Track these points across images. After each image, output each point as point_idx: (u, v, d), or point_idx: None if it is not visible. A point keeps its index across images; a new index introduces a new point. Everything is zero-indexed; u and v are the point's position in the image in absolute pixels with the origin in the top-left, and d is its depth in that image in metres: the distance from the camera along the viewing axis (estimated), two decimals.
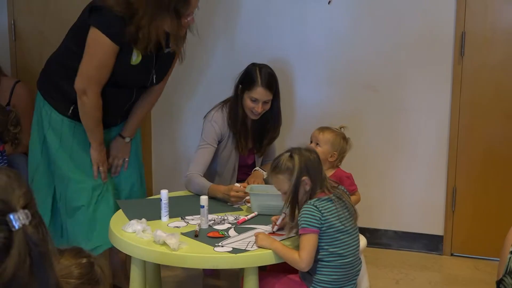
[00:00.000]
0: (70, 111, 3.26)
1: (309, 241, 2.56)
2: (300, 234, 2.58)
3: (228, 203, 3.26)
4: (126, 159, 3.49)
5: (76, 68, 3.15)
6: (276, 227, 2.82)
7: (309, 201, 2.60)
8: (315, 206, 2.57)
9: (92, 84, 3.13)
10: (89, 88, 3.13)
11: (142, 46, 3.07)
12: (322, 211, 2.56)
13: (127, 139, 3.47)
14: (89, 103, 3.17)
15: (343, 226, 2.61)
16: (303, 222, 2.57)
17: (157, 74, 3.33)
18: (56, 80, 3.28)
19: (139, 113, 3.48)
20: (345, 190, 2.75)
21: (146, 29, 3.01)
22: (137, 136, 3.58)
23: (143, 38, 3.03)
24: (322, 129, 3.30)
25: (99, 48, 3.07)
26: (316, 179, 2.64)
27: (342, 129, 3.31)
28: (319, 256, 2.59)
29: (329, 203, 2.60)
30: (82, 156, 3.32)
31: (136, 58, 3.16)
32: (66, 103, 3.26)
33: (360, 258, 2.73)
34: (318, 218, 2.55)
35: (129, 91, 3.33)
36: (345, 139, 3.28)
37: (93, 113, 3.22)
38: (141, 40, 3.04)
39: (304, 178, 2.61)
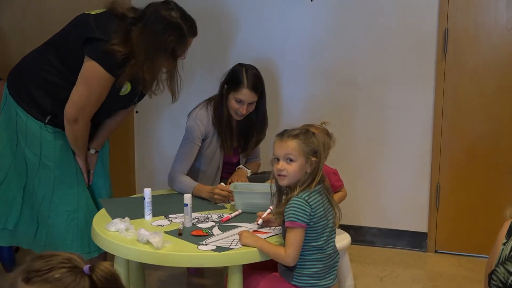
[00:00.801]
0: (47, 120, 3.21)
1: (296, 236, 2.54)
2: (287, 227, 2.57)
3: (213, 202, 3.25)
4: (91, 171, 3.45)
5: (55, 83, 3.13)
6: (260, 220, 2.81)
7: (300, 194, 2.57)
8: (306, 201, 2.55)
9: (85, 114, 3.13)
10: (82, 117, 3.12)
11: (143, 87, 3.11)
12: (313, 206, 2.55)
13: (93, 151, 3.43)
14: (79, 130, 3.17)
15: (327, 221, 2.61)
16: (291, 214, 2.54)
17: (140, 96, 3.36)
18: (27, 85, 3.22)
19: (110, 126, 3.46)
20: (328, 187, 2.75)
21: (145, 69, 3.02)
22: (105, 147, 3.54)
23: (144, 79, 3.05)
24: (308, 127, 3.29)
25: (98, 81, 3.05)
26: (319, 167, 2.63)
27: (323, 124, 3.31)
28: (301, 251, 2.59)
29: (317, 195, 2.60)
30: (66, 161, 3.28)
31: (125, 89, 3.17)
32: (41, 112, 3.21)
33: (337, 250, 2.73)
34: (308, 213, 2.54)
35: (109, 112, 3.35)
36: (328, 134, 3.28)
37: (81, 137, 3.22)
38: (142, 81, 3.06)
39: (313, 158, 2.60)
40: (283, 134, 2.65)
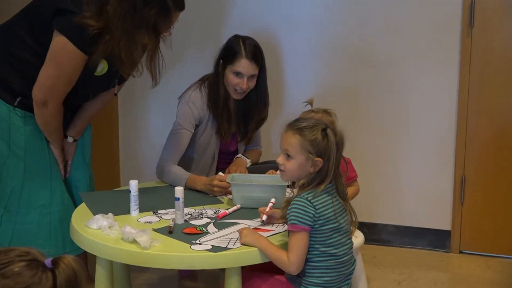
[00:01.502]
0: (16, 102, 3.20)
1: (298, 241, 2.55)
2: (289, 231, 2.58)
3: (210, 195, 3.26)
4: (69, 162, 3.45)
5: (27, 61, 3.12)
6: (265, 217, 2.82)
7: (302, 194, 2.58)
8: (309, 201, 2.55)
9: (55, 96, 3.11)
10: (51, 100, 3.11)
11: (119, 67, 3.08)
12: (317, 207, 2.55)
13: (70, 139, 3.43)
14: (49, 114, 3.16)
15: (337, 223, 2.60)
16: (293, 217, 2.55)
17: (121, 78, 3.33)
18: None
19: (90, 111, 3.45)
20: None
21: (122, 46, 2.98)
22: (86, 135, 3.54)
23: (120, 57, 3.02)
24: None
25: (67, 59, 3.03)
26: (329, 169, 2.60)
27: (307, 104, 3.30)
28: (308, 256, 2.59)
29: (325, 195, 2.60)
30: (38, 150, 3.28)
31: (101, 69, 3.16)
32: (10, 94, 3.20)
33: (353, 257, 2.74)
34: (311, 215, 2.54)
35: (87, 95, 3.34)
36: (327, 113, 3.28)
37: (53, 121, 3.21)
38: (118, 60, 3.03)
39: (318, 159, 2.59)
40: (290, 125, 2.65)
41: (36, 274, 1.49)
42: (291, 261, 2.54)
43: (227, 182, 3.18)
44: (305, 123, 2.61)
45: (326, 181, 2.59)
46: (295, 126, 2.62)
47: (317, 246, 2.59)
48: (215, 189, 3.23)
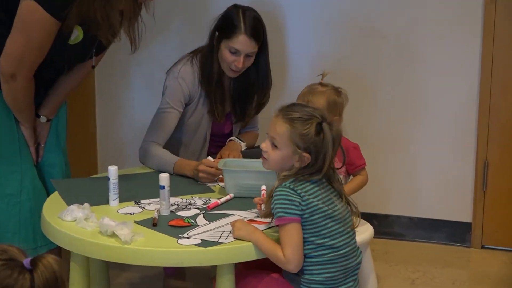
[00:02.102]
0: None
1: (290, 234, 2.54)
2: (278, 226, 2.58)
3: (200, 183, 3.25)
4: (41, 144, 3.44)
5: None
6: (263, 206, 2.80)
7: (283, 183, 2.58)
8: (292, 189, 2.55)
9: (24, 68, 3.11)
10: (20, 73, 3.10)
11: (96, 31, 3.06)
12: (302, 194, 2.55)
13: (43, 119, 3.41)
14: (18, 88, 3.15)
15: (330, 210, 2.60)
16: (278, 209, 2.55)
17: (98, 48, 3.32)
18: None
19: (65, 87, 3.44)
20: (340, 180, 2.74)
21: (97, 6, 2.96)
22: (61, 114, 3.52)
23: (96, 20, 3.01)
24: (311, 92, 3.29)
25: (37, 26, 3.01)
26: (323, 166, 2.58)
27: (323, 77, 3.30)
28: (304, 252, 2.59)
29: (312, 185, 2.60)
30: (6, 131, 3.27)
31: (75, 36, 3.14)
32: None
33: (357, 248, 2.74)
34: (297, 203, 2.54)
35: (61, 66, 3.32)
36: (337, 92, 3.27)
37: (23, 97, 3.20)
38: (94, 23, 3.02)
39: (305, 154, 2.58)
40: (282, 110, 2.64)
41: (12, 275, 1.49)
42: (287, 257, 2.54)
43: (217, 169, 3.17)
44: (300, 114, 2.60)
45: (314, 177, 2.60)
46: (287, 114, 2.61)
47: (311, 239, 2.58)
48: (201, 175, 3.22)
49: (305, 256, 2.58)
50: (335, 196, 2.66)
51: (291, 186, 2.56)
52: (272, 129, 2.64)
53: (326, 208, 2.59)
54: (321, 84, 3.29)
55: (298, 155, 2.58)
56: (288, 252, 2.53)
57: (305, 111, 2.62)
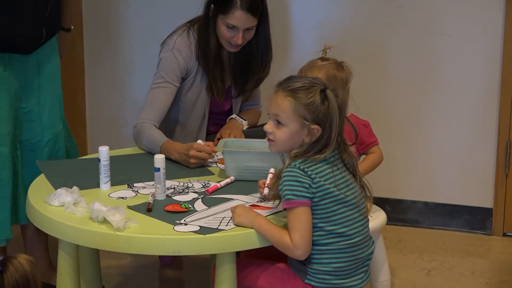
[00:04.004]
0: None
1: (299, 218, 2.54)
2: (286, 210, 2.58)
3: (190, 167, 3.25)
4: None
5: None
6: (266, 190, 2.80)
7: (292, 163, 2.58)
8: (302, 170, 2.55)
9: None
10: None
11: None
12: (313, 176, 2.55)
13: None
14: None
15: (343, 195, 2.60)
16: (287, 192, 2.55)
17: None
18: None
19: None
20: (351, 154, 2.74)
21: None
22: (53, 61, 3.50)
23: None
24: (309, 67, 3.29)
25: None
26: (331, 138, 2.59)
27: (325, 52, 3.29)
28: (312, 238, 2.59)
29: (323, 164, 2.60)
30: None
31: None
32: None
33: (370, 237, 2.74)
34: (307, 186, 2.54)
35: None
36: (340, 66, 3.27)
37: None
38: None
39: (314, 126, 2.59)
40: (281, 84, 2.64)
41: None
42: (295, 243, 2.54)
43: (207, 152, 3.18)
44: (300, 83, 2.60)
45: (326, 152, 2.59)
46: (287, 86, 2.61)
47: (321, 225, 2.59)
48: (192, 160, 3.21)
49: (313, 243, 2.59)
50: (349, 175, 2.66)
51: (301, 167, 2.55)
52: (273, 105, 2.63)
53: (338, 192, 2.59)
54: (321, 58, 3.29)
55: (306, 128, 2.57)
56: (296, 237, 2.53)
57: (305, 80, 2.63)
